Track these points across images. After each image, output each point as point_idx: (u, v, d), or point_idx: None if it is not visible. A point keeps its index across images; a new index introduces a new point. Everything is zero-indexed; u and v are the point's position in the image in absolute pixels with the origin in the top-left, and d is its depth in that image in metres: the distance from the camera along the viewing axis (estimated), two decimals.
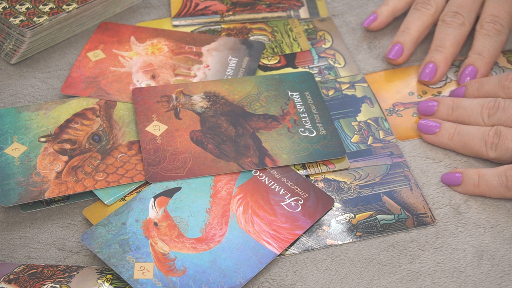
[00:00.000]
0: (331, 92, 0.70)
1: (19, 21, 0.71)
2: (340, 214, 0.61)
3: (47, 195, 0.60)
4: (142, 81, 0.70)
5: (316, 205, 0.61)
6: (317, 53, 0.74)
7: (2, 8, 0.72)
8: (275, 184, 0.62)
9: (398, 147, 0.66)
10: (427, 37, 0.76)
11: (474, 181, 0.62)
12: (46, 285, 0.55)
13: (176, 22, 0.77)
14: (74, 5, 0.73)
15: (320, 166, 0.64)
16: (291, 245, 0.59)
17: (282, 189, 0.62)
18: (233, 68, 0.71)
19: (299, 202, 0.61)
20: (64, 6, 0.73)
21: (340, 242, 0.59)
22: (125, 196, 0.61)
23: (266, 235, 0.58)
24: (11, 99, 0.70)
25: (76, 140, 0.65)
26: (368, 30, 0.77)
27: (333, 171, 0.64)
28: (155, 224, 0.59)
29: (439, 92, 0.71)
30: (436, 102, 0.68)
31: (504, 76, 0.67)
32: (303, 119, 0.66)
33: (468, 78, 0.70)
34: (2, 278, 0.55)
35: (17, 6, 0.72)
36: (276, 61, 0.73)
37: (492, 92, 0.67)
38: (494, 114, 0.65)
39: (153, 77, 0.70)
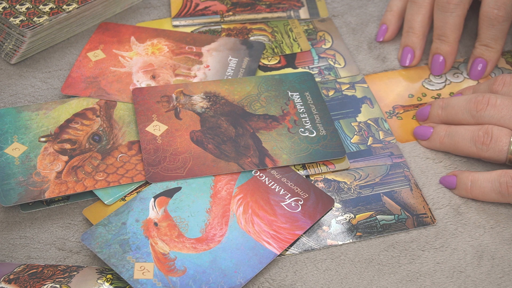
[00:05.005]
0: (331, 93, 0.71)
1: (19, 21, 0.71)
2: (340, 214, 0.61)
3: (47, 195, 0.60)
4: (142, 81, 0.70)
5: (316, 205, 0.61)
6: (317, 54, 0.74)
7: (2, 8, 0.72)
8: (275, 184, 0.62)
9: (398, 147, 0.66)
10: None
11: (466, 186, 0.62)
12: (46, 285, 0.55)
13: (176, 22, 0.77)
14: (74, 5, 0.73)
15: (320, 166, 0.64)
16: (291, 245, 0.59)
17: (282, 189, 0.62)
18: (233, 68, 0.71)
19: (299, 202, 0.61)
20: (64, 6, 0.73)
21: (340, 242, 0.59)
22: (125, 196, 0.61)
23: (266, 235, 0.58)
24: (11, 99, 0.70)
25: (76, 140, 0.65)
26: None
27: (333, 172, 0.64)
28: (155, 224, 0.59)
29: (439, 95, 0.71)
30: (429, 106, 0.67)
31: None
32: (303, 120, 0.66)
33: (480, 65, 0.71)
34: (2, 278, 0.55)
35: (17, 6, 0.72)
36: (276, 61, 0.73)
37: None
38: (483, 110, 0.63)
39: (153, 77, 0.70)
